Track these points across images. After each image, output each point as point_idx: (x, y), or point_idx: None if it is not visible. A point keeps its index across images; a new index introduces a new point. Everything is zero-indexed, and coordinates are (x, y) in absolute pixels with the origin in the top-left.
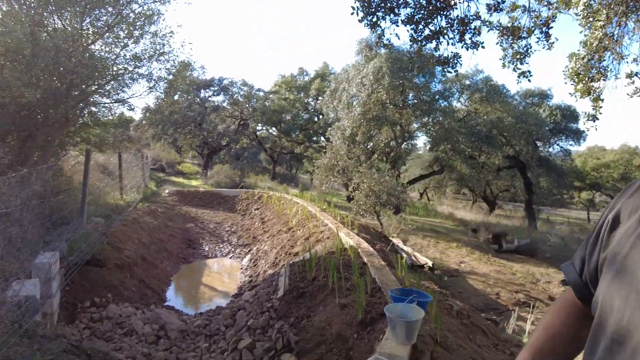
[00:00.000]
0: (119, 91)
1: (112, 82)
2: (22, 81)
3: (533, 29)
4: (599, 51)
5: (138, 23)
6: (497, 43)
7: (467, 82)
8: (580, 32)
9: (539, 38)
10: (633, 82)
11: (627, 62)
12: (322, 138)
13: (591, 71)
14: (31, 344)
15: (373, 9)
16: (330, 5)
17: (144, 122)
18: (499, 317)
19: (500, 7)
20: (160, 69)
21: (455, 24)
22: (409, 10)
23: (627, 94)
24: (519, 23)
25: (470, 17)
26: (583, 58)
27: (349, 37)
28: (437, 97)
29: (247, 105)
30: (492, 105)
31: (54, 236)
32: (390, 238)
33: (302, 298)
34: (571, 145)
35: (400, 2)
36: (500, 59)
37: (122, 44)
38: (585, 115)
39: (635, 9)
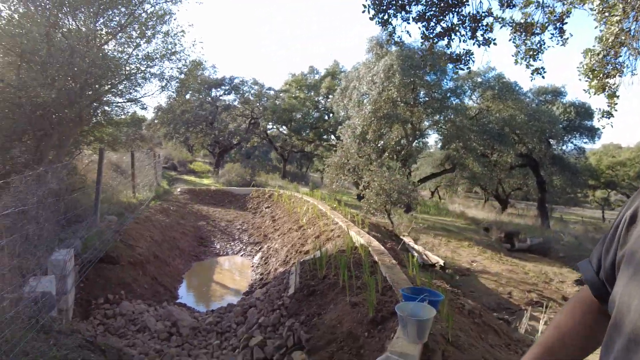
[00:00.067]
0: (131, 90)
1: (125, 82)
2: (37, 81)
3: (547, 24)
4: (614, 47)
5: (150, 23)
6: (509, 40)
7: (479, 80)
8: (596, 28)
9: (552, 34)
10: None
11: None
12: (333, 136)
13: (606, 67)
14: (47, 339)
15: (384, 7)
16: (342, 5)
17: (156, 121)
18: (511, 316)
19: (513, 3)
20: (171, 68)
21: (467, 21)
22: (420, 7)
23: None
24: (532, 19)
25: (483, 14)
26: (598, 54)
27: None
28: (448, 94)
29: (258, 104)
30: (504, 102)
31: (69, 233)
32: (401, 237)
33: (313, 296)
34: (585, 143)
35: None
36: (513, 56)
37: (134, 44)
38: (600, 112)
39: None
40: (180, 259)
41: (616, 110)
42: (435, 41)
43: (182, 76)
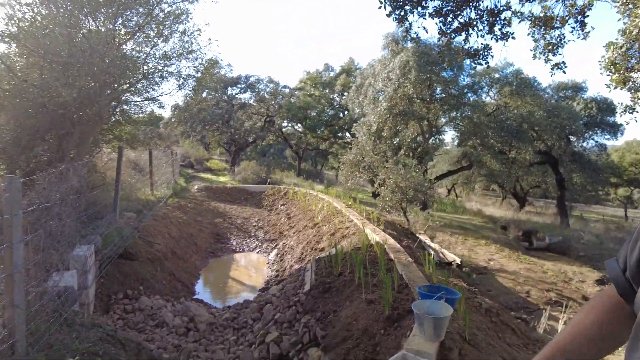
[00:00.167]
0: (149, 89)
1: (143, 81)
2: (59, 81)
3: (567, 18)
4: (639, 40)
5: (167, 22)
6: (528, 34)
7: (497, 76)
8: (619, 20)
9: (573, 27)
10: None
11: None
12: (348, 134)
13: (630, 61)
14: (70, 332)
15: (401, 3)
16: (358, 4)
17: (173, 119)
18: (529, 316)
19: None
20: (188, 67)
21: (484, 15)
22: (437, 2)
23: None
24: (552, 12)
25: (501, 8)
26: (621, 47)
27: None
28: (465, 91)
29: (273, 102)
30: (522, 98)
31: (89, 230)
32: (417, 235)
33: (329, 293)
34: (607, 139)
35: None
36: (531, 50)
37: (152, 43)
38: (623, 107)
39: None
40: (197, 256)
41: None
42: (452, 36)
43: (199, 75)
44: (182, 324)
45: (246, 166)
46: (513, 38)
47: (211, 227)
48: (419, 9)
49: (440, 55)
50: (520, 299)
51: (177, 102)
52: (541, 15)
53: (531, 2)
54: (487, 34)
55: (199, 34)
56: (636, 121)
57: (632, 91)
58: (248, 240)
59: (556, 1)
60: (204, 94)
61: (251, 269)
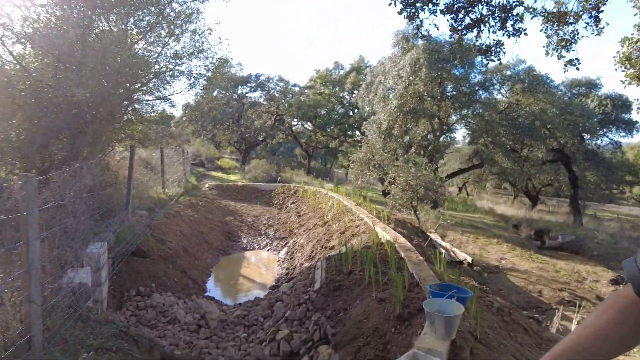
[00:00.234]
0: (160, 88)
1: (154, 80)
2: (73, 81)
3: (581, 13)
4: None
5: (178, 22)
6: (540, 30)
7: (509, 73)
8: (635, 15)
9: (587, 23)
10: None
11: None
12: (358, 132)
13: None
14: (85, 327)
15: (412, 0)
16: (369, 2)
17: (184, 118)
18: (541, 315)
19: None
20: (199, 66)
21: (496, 11)
22: None
23: None
24: (566, 8)
25: (513, 3)
26: (637, 42)
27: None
28: (477, 88)
29: (283, 101)
30: (534, 96)
31: (102, 228)
32: (428, 233)
33: (339, 291)
34: (622, 136)
35: None
36: (544, 47)
37: (163, 43)
38: (638, 103)
39: None
40: (209, 253)
41: None
42: (464, 33)
43: (209, 74)
44: (194, 321)
45: (256, 165)
46: (525, 34)
47: (222, 225)
48: (430, 5)
49: (451, 52)
50: (532, 298)
51: (188, 101)
52: (554, 10)
53: None
54: (499, 30)
55: (210, 33)
56: None
57: None
58: (258, 238)
59: None
60: (215, 93)
61: (261, 266)
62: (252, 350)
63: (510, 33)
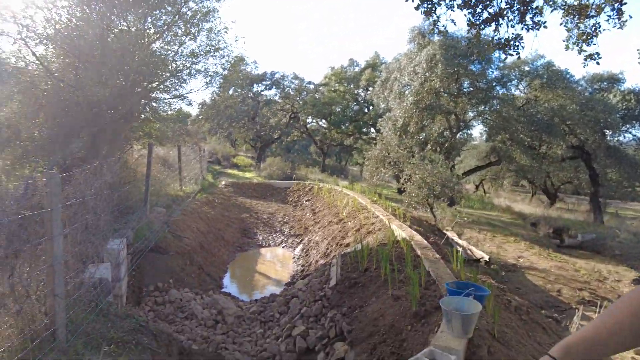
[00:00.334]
0: (177, 87)
1: (171, 79)
2: (93, 81)
3: (603, 5)
4: None
5: (194, 20)
6: (560, 23)
7: (527, 68)
8: None
9: (609, 16)
10: None
11: None
12: (373, 129)
13: None
14: (106, 321)
15: None
16: (379, 0)
17: (200, 116)
18: (560, 315)
19: None
20: (215, 65)
21: (515, 4)
22: None
23: None
24: (587, 0)
25: None
26: None
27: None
28: (494, 84)
29: (298, 99)
30: (553, 91)
31: (122, 224)
32: (444, 231)
33: (355, 288)
34: None
35: None
36: (564, 41)
37: (179, 42)
38: None
39: None
40: (225, 250)
41: None
42: (482, 27)
43: (226, 72)
44: (211, 317)
45: (271, 162)
46: (545, 27)
47: (238, 222)
48: (447, 0)
49: (469, 47)
50: (551, 297)
51: (205, 99)
52: (575, 3)
53: None
54: (518, 23)
55: (226, 32)
56: None
57: None
58: (274, 235)
59: None
60: (231, 91)
61: (277, 263)
62: (269, 346)
63: (530, 26)
